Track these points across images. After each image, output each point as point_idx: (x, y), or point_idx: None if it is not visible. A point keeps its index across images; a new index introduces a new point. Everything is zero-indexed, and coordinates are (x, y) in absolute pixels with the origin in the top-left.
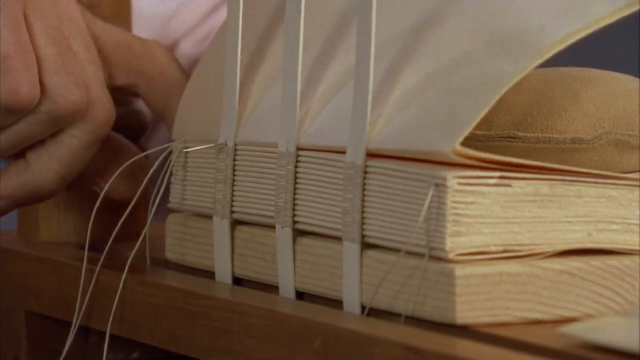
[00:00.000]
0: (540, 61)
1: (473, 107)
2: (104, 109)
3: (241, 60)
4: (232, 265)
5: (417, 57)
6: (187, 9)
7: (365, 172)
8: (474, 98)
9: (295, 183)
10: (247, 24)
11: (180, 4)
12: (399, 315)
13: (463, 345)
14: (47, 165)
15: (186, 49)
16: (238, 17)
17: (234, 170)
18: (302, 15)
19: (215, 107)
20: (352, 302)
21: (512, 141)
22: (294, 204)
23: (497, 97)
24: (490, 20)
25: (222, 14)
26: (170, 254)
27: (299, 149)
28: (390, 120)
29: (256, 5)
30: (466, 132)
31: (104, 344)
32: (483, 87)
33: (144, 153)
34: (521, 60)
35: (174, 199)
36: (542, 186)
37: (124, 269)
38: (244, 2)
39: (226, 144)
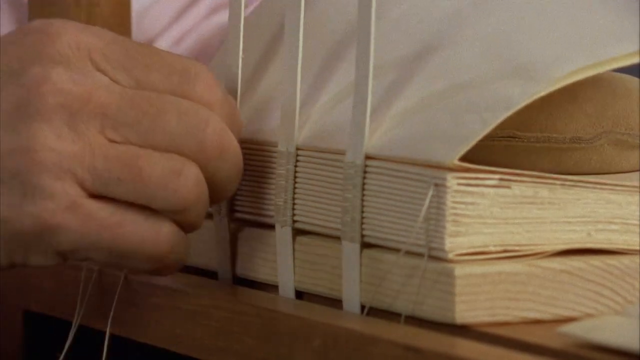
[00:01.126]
0: (550, 90)
1: (478, 124)
2: None
3: (247, 61)
4: (233, 265)
5: (424, 75)
6: (159, 6)
7: (365, 172)
8: (479, 116)
9: (295, 182)
10: (252, 31)
11: (152, 1)
12: (399, 315)
13: (463, 345)
14: None
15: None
16: (240, 20)
17: None
18: (302, 15)
19: None
20: (351, 301)
21: (511, 141)
22: (294, 204)
23: (502, 118)
24: (503, 47)
25: (196, 11)
26: None
27: (298, 148)
28: (391, 129)
29: (260, 13)
30: (467, 148)
31: (103, 344)
32: (490, 107)
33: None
34: (531, 86)
35: None
36: (541, 189)
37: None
38: (255, 10)
39: None
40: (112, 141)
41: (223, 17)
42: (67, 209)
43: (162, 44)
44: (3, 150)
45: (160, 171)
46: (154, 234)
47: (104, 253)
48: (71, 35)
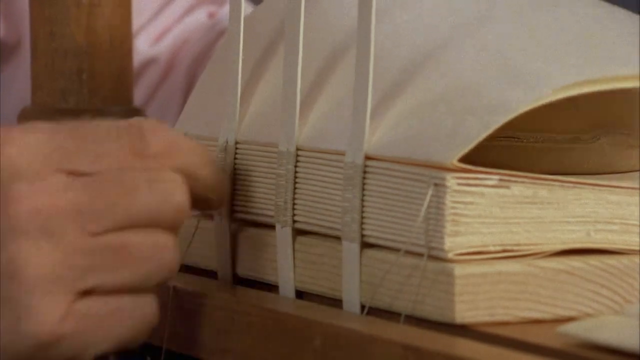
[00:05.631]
0: (552, 99)
1: (478, 126)
2: None
3: (246, 64)
4: (233, 265)
5: (427, 77)
6: (138, 3)
7: (365, 172)
8: (480, 118)
9: (295, 182)
10: (252, 33)
11: None
12: (399, 314)
13: (462, 345)
14: None
15: (140, 46)
16: (240, 20)
17: (234, 169)
18: (302, 16)
19: (219, 107)
20: (351, 301)
21: (511, 141)
22: (294, 204)
23: (503, 121)
24: (508, 54)
25: (174, 9)
26: None
27: (298, 149)
28: (391, 129)
29: (260, 16)
30: (467, 149)
31: None
32: (491, 110)
33: None
34: (534, 92)
35: None
36: (540, 189)
37: None
38: (250, 15)
39: (227, 143)
40: (94, 234)
41: (201, 15)
42: (63, 319)
43: (143, 41)
44: None
45: (148, 251)
46: (148, 310)
47: (108, 343)
48: (17, 141)
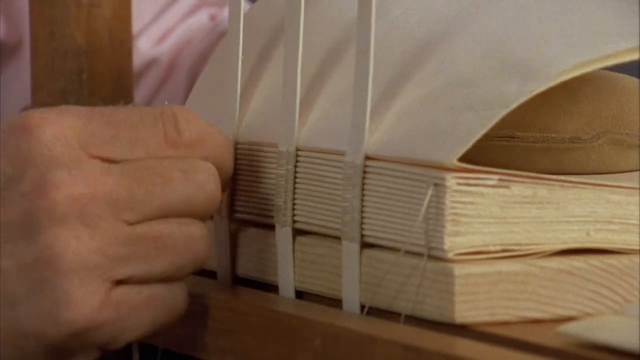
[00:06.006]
0: (547, 86)
1: (476, 123)
2: None
3: (245, 63)
4: (233, 265)
5: (423, 73)
6: (140, 3)
7: (365, 172)
8: (477, 114)
9: (295, 182)
10: (251, 31)
11: None
12: (399, 314)
13: (462, 345)
14: None
15: (142, 46)
16: (239, 20)
17: (234, 169)
18: (302, 15)
19: (219, 107)
20: (351, 301)
21: (510, 140)
22: (294, 204)
23: (500, 116)
24: (502, 45)
25: (177, 9)
26: None
27: (298, 149)
28: (390, 129)
29: (259, 14)
30: (467, 147)
31: None
32: (488, 105)
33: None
34: (528, 83)
35: None
36: (540, 189)
37: None
38: (248, 13)
39: None
40: (130, 223)
41: (203, 17)
42: (100, 308)
43: (145, 42)
44: (25, 263)
45: (183, 242)
46: (180, 298)
47: (141, 331)
48: (53, 125)
